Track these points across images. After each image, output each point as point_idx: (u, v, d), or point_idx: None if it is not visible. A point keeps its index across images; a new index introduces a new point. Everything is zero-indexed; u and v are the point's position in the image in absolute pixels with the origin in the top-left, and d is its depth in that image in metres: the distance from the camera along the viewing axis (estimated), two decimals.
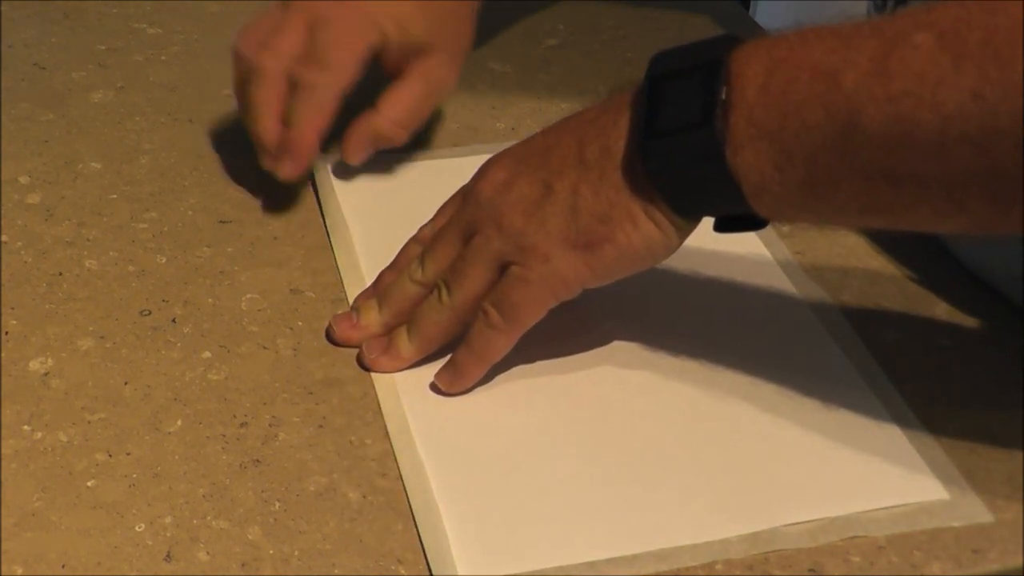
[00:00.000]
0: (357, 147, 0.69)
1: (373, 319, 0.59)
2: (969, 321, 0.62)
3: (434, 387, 0.57)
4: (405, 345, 0.58)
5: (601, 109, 0.55)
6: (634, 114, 0.52)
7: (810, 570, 0.49)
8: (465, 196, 0.58)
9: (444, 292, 0.56)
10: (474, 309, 0.56)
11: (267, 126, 0.66)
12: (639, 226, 0.52)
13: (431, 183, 0.71)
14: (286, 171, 0.66)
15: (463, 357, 0.56)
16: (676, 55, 0.52)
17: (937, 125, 0.44)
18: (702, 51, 0.51)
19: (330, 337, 0.60)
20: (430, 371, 0.58)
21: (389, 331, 0.59)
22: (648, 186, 0.52)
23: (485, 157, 0.58)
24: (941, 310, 0.63)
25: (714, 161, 0.49)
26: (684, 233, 0.53)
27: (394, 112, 0.69)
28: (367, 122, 0.69)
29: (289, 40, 0.66)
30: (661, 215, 0.52)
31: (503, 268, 0.55)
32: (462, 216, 0.57)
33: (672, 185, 0.51)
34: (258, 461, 0.53)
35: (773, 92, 0.48)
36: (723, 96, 0.48)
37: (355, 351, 0.59)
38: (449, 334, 0.57)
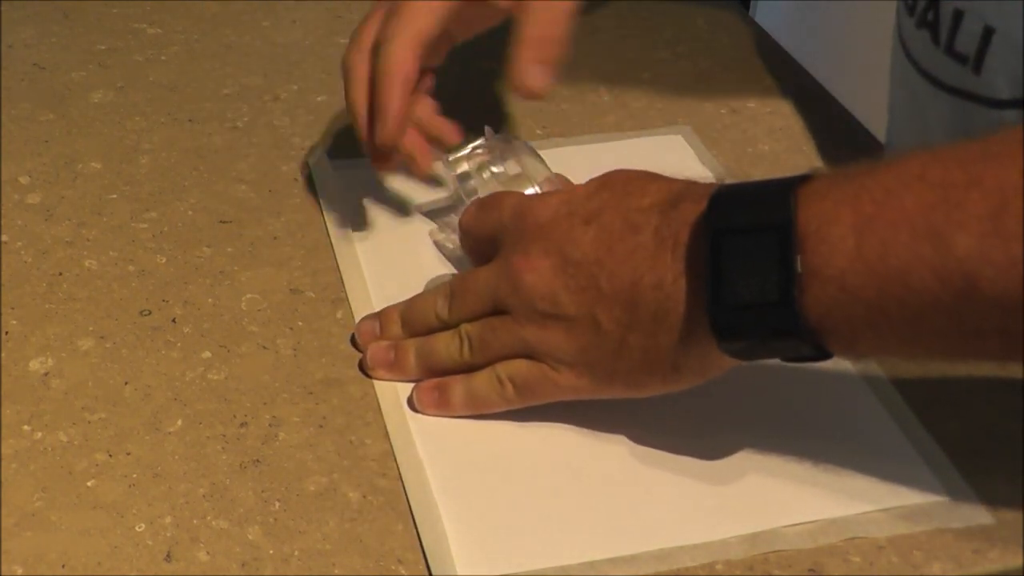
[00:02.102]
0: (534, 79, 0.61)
1: (395, 335, 0.59)
2: None
3: (410, 402, 0.56)
4: (410, 366, 0.57)
5: (656, 237, 0.50)
6: (695, 271, 0.48)
7: (810, 570, 0.49)
8: (503, 259, 0.54)
9: (467, 349, 0.55)
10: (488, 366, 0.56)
11: (360, 125, 0.63)
12: (681, 374, 0.51)
13: (430, 183, 0.71)
14: (381, 168, 0.66)
15: (458, 398, 0.56)
16: (737, 203, 0.48)
17: None
18: (765, 205, 0.47)
19: (355, 342, 0.60)
20: None
21: None
22: (711, 346, 0.48)
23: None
24: None
25: (797, 333, 0.46)
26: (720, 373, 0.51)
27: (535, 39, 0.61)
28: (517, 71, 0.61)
29: (370, 29, 0.63)
30: (714, 365, 0.50)
31: (531, 352, 0.54)
32: (496, 284, 0.54)
33: (745, 352, 0.49)
34: (258, 461, 0.53)
35: (868, 258, 0.44)
36: (798, 268, 0.45)
37: (355, 351, 0.59)
38: (454, 374, 0.56)
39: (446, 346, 0.56)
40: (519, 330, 0.54)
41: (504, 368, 0.54)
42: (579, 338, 0.52)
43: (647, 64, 0.85)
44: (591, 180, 0.55)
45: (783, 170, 0.74)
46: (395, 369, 0.58)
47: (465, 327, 0.56)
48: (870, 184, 0.45)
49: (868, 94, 0.86)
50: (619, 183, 0.54)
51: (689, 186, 0.51)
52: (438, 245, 0.67)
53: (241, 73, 0.82)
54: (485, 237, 0.58)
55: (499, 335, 0.54)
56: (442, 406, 0.56)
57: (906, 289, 0.43)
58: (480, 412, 0.56)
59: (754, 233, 0.46)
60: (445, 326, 0.57)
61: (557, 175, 0.62)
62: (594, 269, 0.51)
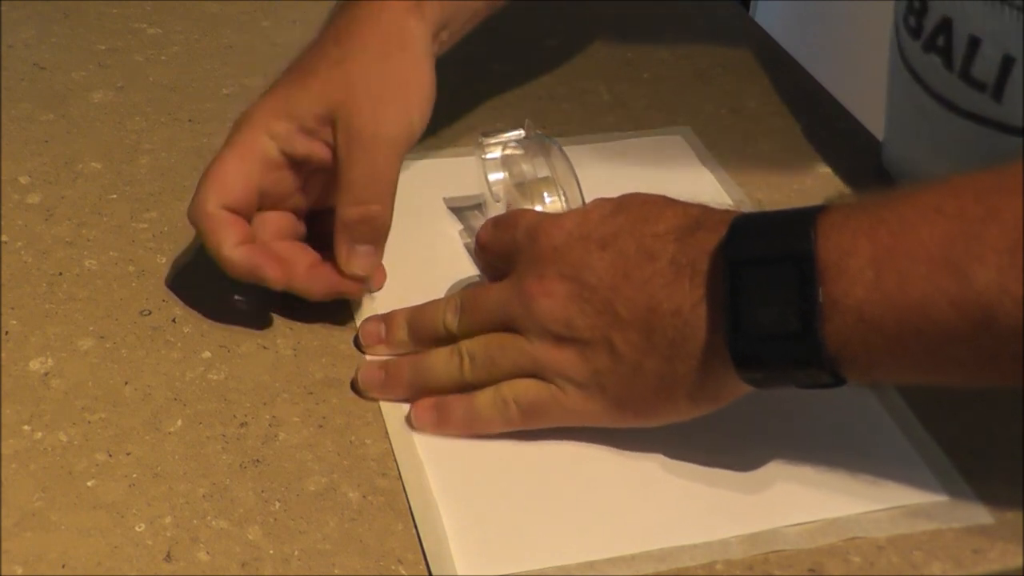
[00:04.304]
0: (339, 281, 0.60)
1: (400, 340, 0.58)
2: None
3: (408, 420, 0.55)
4: (404, 384, 0.56)
5: (673, 264, 0.50)
6: (713, 300, 0.49)
7: (810, 570, 0.49)
8: (516, 279, 0.54)
9: (467, 364, 0.54)
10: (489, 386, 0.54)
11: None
12: (695, 401, 0.51)
13: (432, 183, 0.71)
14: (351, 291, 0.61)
15: (458, 418, 0.54)
16: (756, 233, 0.48)
17: None
18: (785, 235, 0.47)
19: (358, 343, 0.59)
20: None
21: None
22: (728, 373, 0.49)
23: None
24: None
25: (817, 364, 0.46)
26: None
27: (351, 198, 0.58)
28: (337, 232, 0.59)
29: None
30: (729, 392, 0.50)
31: (540, 372, 0.53)
32: (508, 303, 0.54)
33: (764, 381, 0.49)
34: (258, 461, 0.53)
35: (887, 289, 0.44)
36: (820, 299, 0.45)
37: (356, 352, 0.59)
38: (452, 393, 0.55)
39: (444, 363, 0.55)
40: (529, 349, 0.53)
41: (510, 389, 0.53)
42: (593, 361, 0.52)
43: (647, 64, 0.85)
44: (605, 202, 0.54)
45: (783, 170, 0.74)
46: (388, 388, 0.56)
47: (465, 344, 0.55)
48: (887, 215, 0.45)
49: (868, 94, 0.86)
50: (634, 207, 0.53)
51: (705, 212, 0.51)
52: (468, 248, 0.66)
53: (241, 73, 0.82)
54: (500, 254, 0.57)
55: (507, 352, 0.54)
56: (440, 425, 0.55)
57: (925, 320, 0.44)
58: (480, 433, 0.55)
59: (773, 264, 0.47)
60: (452, 338, 0.56)
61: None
62: (610, 294, 0.51)
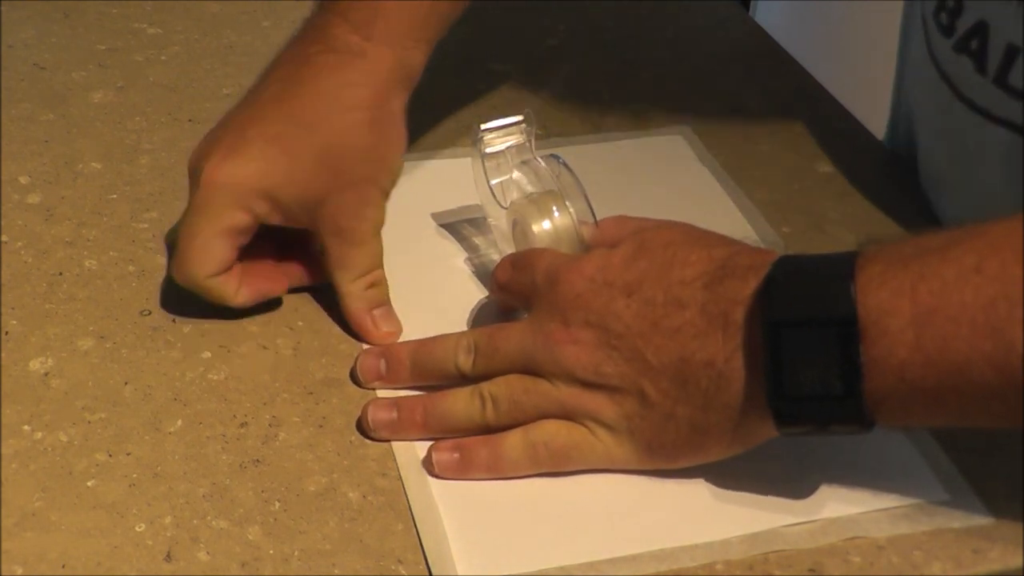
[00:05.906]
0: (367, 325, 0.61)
1: (404, 378, 0.57)
2: None
3: (427, 463, 0.53)
4: (416, 426, 0.55)
5: (704, 314, 0.50)
6: (749, 353, 0.48)
7: (810, 570, 0.49)
8: (537, 324, 0.53)
9: (491, 408, 0.53)
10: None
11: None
12: (725, 447, 0.51)
13: (432, 183, 0.71)
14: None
15: (484, 461, 0.53)
16: (793, 292, 0.47)
17: None
18: (825, 295, 0.46)
19: (354, 375, 0.58)
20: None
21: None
22: (765, 423, 0.49)
23: None
24: None
25: (857, 421, 0.47)
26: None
27: (353, 275, 0.60)
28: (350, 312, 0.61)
29: None
30: (760, 437, 0.50)
31: (568, 414, 0.52)
32: (531, 349, 0.53)
33: (802, 435, 0.49)
34: (258, 461, 0.53)
35: (928, 350, 0.45)
36: (862, 358, 0.45)
37: (355, 351, 0.59)
38: (470, 435, 0.54)
39: (465, 406, 0.54)
40: (555, 394, 0.52)
41: (540, 432, 0.52)
42: (624, 405, 0.51)
43: (647, 64, 0.85)
44: (625, 243, 0.53)
45: (783, 170, 0.74)
46: (400, 430, 0.55)
47: (487, 387, 0.54)
48: (927, 274, 0.45)
49: (868, 94, 0.86)
50: (657, 249, 0.52)
51: (731, 256, 0.51)
52: (471, 267, 0.65)
53: (241, 73, 0.82)
54: (517, 294, 0.57)
55: (531, 397, 0.53)
56: (462, 469, 0.53)
57: (964, 380, 0.44)
58: (503, 476, 0.53)
59: (815, 325, 0.46)
60: (464, 380, 0.55)
61: (582, 222, 0.59)
62: (639, 342, 0.51)
